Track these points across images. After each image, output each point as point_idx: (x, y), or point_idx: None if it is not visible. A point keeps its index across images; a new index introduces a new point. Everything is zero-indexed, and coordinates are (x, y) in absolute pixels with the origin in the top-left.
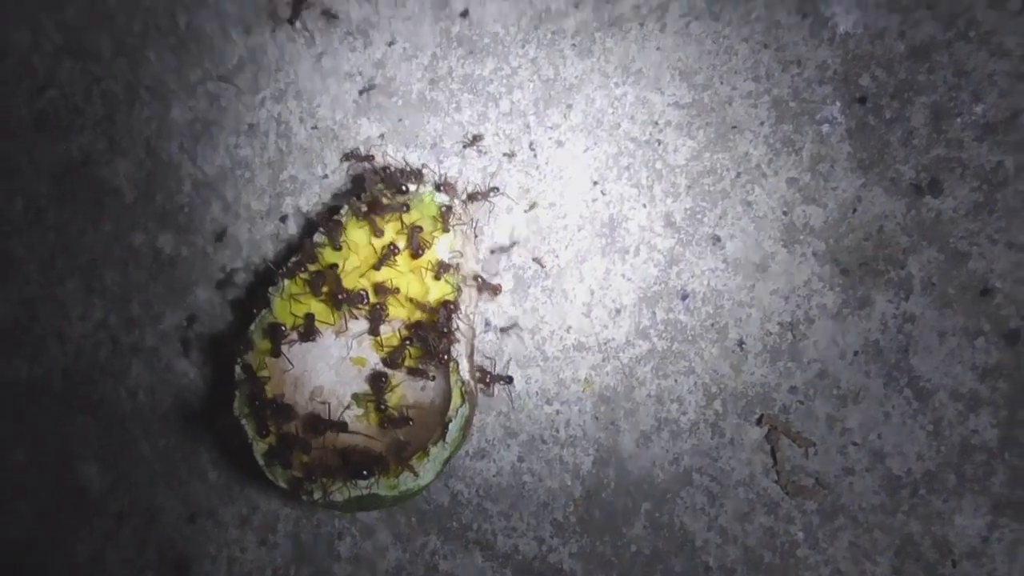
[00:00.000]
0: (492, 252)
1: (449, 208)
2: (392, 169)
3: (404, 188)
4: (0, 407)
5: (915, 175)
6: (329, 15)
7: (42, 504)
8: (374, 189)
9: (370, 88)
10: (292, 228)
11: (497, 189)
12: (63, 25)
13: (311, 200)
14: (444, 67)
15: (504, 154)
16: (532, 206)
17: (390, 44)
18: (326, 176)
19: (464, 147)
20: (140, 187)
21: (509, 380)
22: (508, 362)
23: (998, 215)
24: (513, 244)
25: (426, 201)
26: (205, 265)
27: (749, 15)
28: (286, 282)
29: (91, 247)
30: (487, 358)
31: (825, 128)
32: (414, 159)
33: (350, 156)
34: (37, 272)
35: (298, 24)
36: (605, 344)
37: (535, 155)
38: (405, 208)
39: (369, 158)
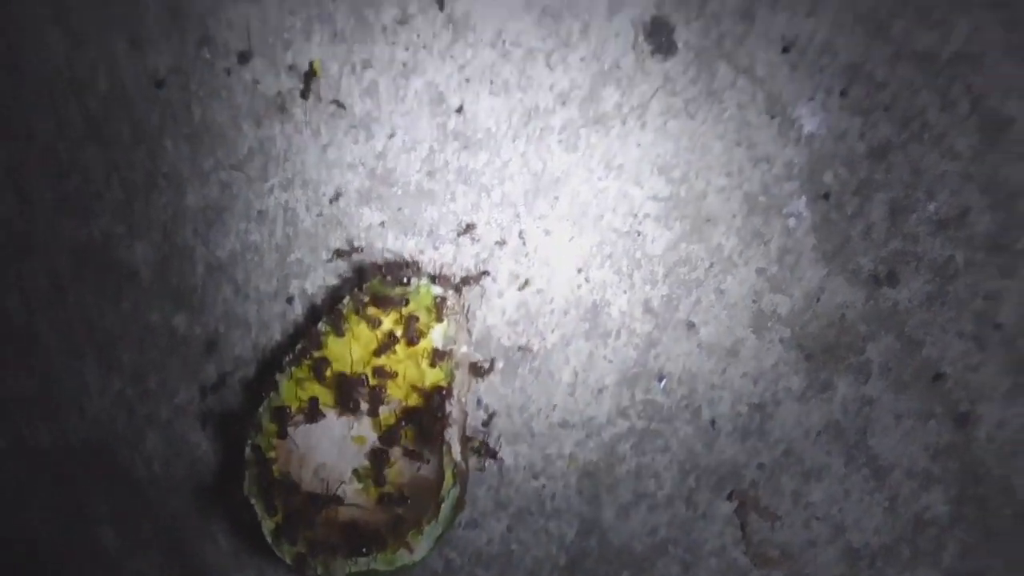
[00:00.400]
0: (483, 336)
1: (444, 299)
2: (391, 262)
3: (406, 280)
4: (22, 471)
5: (874, 267)
6: (338, 104)
7: (61, 563)
8: (375, 283)
9: (338, 196)
10: (298, 308)
11: (487, 273)
12: (86, 114)
13: (316, 282)
14: (441, 159)
15: (496, 242)
16: (525, 284)
17: (390, 137)
18: (330, 260)
19: (458, 235)
20: (156, 269)
21: (494, 455)
22: (499, 438)
23: (949, 306)
24: (500, 333)
25: (422, 292)
26: (218, 344)
27: (722, 115)
28: (292, 368)
29: (110, 325)
30: (480, 429)
31: (791, 222)
32: (412, 246)
33: (339, 254)
34: (58, 347)
35: (305, 116)
36: (588, 422)
37: (524, 243)
38: (405, 302)
39: (357, 251)
